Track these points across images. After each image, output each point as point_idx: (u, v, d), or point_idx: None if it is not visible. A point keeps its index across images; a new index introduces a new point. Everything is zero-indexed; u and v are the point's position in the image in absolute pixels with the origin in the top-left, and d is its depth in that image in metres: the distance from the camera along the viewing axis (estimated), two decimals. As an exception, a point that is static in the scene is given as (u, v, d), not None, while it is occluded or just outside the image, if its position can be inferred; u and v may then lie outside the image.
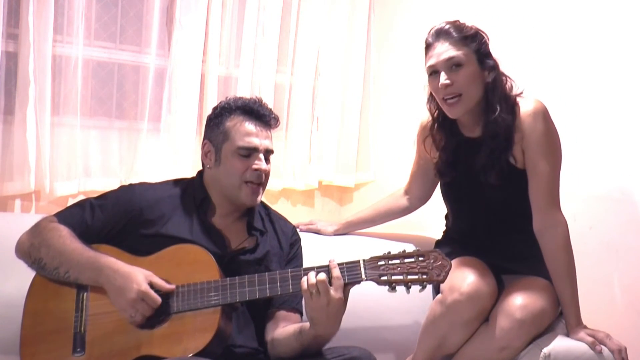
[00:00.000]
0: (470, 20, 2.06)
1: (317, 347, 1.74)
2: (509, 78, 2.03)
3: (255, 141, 1.87)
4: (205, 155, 1.93)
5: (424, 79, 2.12)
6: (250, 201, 1.89)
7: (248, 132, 1.88)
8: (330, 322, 1.67)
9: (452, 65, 1.94)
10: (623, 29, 2.30)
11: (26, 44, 2.43)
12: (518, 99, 2.02)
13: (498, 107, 1.96)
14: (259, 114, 1.90)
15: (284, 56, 3.02)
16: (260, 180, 1.89)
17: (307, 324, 1.71)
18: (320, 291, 1.63)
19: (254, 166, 1.87)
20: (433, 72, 1.98)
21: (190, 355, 1.65)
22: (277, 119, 1.93)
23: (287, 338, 1.78)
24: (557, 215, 1.97)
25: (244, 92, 2.84)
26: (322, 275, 1.64)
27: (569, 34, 2.45)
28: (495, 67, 1.99)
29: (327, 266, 1.68)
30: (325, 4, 3.08)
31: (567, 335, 1.95)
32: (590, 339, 1.87)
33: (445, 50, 1.94)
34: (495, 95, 1.97)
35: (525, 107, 1.99)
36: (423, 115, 2.20)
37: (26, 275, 1.83)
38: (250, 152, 1.87)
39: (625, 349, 1.87)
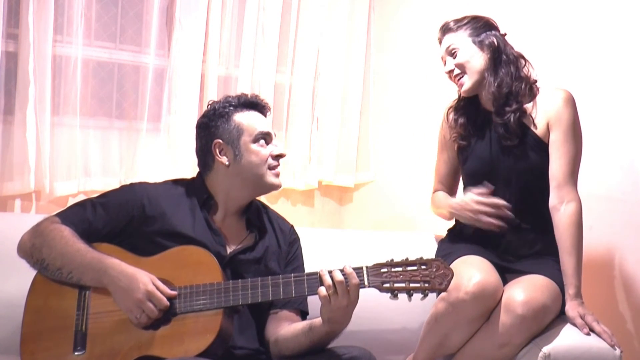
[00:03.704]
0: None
1: (327, 342, 1.77)
2: (528, 61, 2.17)
3: (267, 127, 1.96)
4: (219, 154, 1.93)
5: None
6: (278, 184, 1.96)
7: (258, 121, 1.96)
8: (346, 319, 1.72)
9: (451, 52, 2.17)
10: (622, 28, 2.31)
11: (26, 44, 2.43)
12: (541, 88, 2.16)
13: (502, 71, 2.12)
14: (260, 105, 2.00)
15: (284, 56, 3.03)
16: (278, 163, 1.96)
17: (317, 322, 1.74)
18: (339, 293, 1.66)
19: (275, 152, 1.94)
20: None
21: (192, 356, 1.65)
22: (269, 107, 2.04)
23: (295, 336, 1.79)
24: (574, 193, 2.06)
25: (244, 92, 2.83)
26: (340, 277, 1.67)
27: (567, 35, 2.45)
28: (492, 45, 2.14)
29: (342, 270, 1.69)
30: (325, 4, 3.08)
31: (567, 323, 1.97)
32: (580, 321, 1.93)
33: (446, 42, 2.19)
34: (499, 66, 2.13)
35: (556, 92, 2.12)
36: (444, 107, 2.32)
37: (27, 274, 1.83)
38: (266, 138, 1.94)
39: (612, 333, 1.92)
